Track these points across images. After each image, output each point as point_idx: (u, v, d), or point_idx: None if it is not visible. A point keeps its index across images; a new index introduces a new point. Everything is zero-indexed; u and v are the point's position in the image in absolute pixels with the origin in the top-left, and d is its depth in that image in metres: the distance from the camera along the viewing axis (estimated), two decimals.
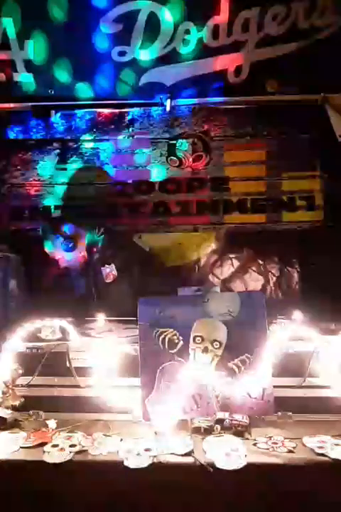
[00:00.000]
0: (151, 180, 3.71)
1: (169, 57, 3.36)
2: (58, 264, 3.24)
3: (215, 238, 3.73)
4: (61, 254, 3.13)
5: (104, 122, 3.65)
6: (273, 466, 1.52)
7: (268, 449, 1.60)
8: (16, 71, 3.39)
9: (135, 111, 3.62)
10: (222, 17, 3.25)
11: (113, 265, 2.91)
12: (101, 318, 2.26)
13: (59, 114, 3.58)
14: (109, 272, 2.88)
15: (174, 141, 3.67)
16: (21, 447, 1.64)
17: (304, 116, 3.50)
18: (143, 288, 2.87)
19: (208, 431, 1.70)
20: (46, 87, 3.42)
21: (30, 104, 3.46)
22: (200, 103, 3.54)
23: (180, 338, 1.82)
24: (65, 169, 3.71)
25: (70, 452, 1.59)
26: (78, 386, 1.89)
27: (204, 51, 3.34)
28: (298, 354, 1.86)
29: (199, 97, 3.48)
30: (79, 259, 3.11)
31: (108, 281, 2.92)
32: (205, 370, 1.77)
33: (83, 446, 1.62)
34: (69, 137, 3.69)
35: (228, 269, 3.73)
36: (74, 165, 3.71)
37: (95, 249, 3.05)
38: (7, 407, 1.84)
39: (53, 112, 3.53)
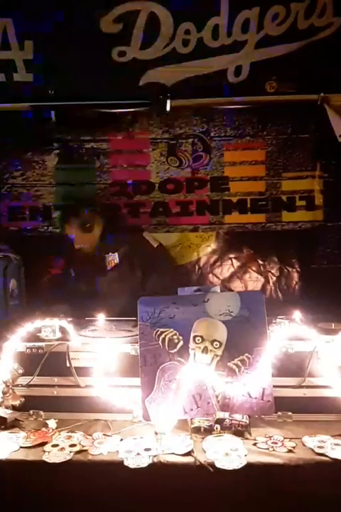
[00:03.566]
0: (151, 180, 3.72)
1: (169, 57, 3.36)
2: (73, 244, 3.26)
3: (215, 238, 3.73)
4: (77, 233, 3.14)
5: (104, 122, 3.65)
6: (273, 466, 1.52)
7: (268, 448, 1.59)
8: (16, 71, 3.39)
9: (135, 111, 3.62)
10: (222, 17, 3.26)
11: (116, 254, 2.96)
12: (101, 317, 2.25)
13: (59, 114, 3.58)
14: (112, 259, 2.91)
15: (174, 141, 3.68)
16: (21, 447, 1.64)
17: (304, 116, 3.51)
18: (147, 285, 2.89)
19: (208, 431, 1.70)
20: (46, 87, 3.43)
21: (30, 104, 3.46)
22: (200, 103, 3.54)
23: (180, 338, 1.82)
24: (65, 169, 3.71)
25: (70, 452, 1.59)
26: (78, 386, 1.89)
27: (204, 51, 3.34)
28: (298, 354, 1.86)
29: (199, 97, 3.48)
30: (92, 242, 3.12)
31: (109, 268, 2.96)
32: (205, 370, 1.76)
33: (83, 446, 1.62)
34: (69, 137, 3.69)
35: (228, 269, 3.73)
36: (74, 165, 3.71)
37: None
38: (7, 407, 1.84)
39: (53, 111, 3.53)
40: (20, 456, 1.60)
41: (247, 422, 1.70)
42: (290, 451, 1.58)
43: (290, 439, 1.65)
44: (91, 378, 1.86)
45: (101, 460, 1.56)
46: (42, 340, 1.98)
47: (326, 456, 1.54)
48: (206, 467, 1.49)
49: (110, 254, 3.00)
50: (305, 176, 3.67)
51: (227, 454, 1.55)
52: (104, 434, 1.70)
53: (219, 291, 2.03)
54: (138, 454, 1.56)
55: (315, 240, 3.66)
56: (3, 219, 3.74)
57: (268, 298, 3.57)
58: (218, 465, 1.50)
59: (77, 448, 1.61)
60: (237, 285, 3.71)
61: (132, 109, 3.60)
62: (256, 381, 1.75)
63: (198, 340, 1.81)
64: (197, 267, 3.75)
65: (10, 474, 1.56)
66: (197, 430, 1.71)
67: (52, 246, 3.66)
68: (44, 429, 1.76)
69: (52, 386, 1.91)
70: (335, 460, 1.52)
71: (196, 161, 3.69)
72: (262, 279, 3.72)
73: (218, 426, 1.70)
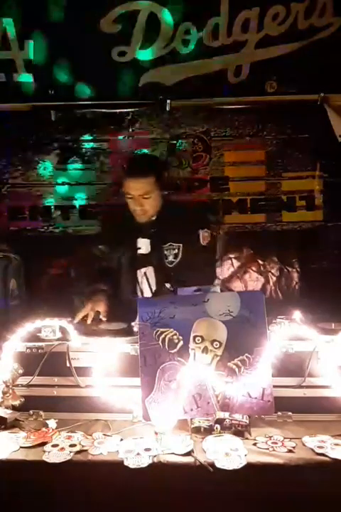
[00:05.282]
0: None
1: (169, 58, 3.37)
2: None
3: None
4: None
5: (104, 122, 3.66)
6: (273, 466, 1.52)
7: (268, 448, 1.59)
8: (16, 71, 3.40)
9: (135, 111, 3.62)
10: (222, 17, 3.26)
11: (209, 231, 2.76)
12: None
13: (59, 114, 3.58)
14: (206, 235, 2.73)
15: (174, 141, 3.68)
16: (21, 447, 1.63)
17: (304, 116, 3.51)
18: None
19: (208, 431, 1.70)
20: (46, 87, 3.43)
21: (30, 104, 3.46)
22: (200, 103, 3.55)
23: (180, 338, 1.82)
24: (65, 169, 3.72)
25: (70, 452, 1.59)
26: (78, 386, 1.89)
27: (204, 51, 3.35)
28: (298, 354, 1.86)
29: (199, 97, 3.48)
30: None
31: (204, 243, 2.73)
32: (205, 370, 1.76)
33: (83, 446, 1.62)
34: (69, 137, 3.69)
35: (228, 269, 3.73)
36: (74, 165, 3.71)
37: None
38: (7, 407, 1.84)
39: (53, 112, 3.53)
40: (20, 456, 1.59)
41: (247, 422, 1.70)
42: (290, 451, 1.58)
43: (290, 439, 1.65)
44: (91, 378, 1.86)
45: (101, 460, 1.56)
46: (43, 340, 1.98)
47: (326, 456, 1.54)
48: (206, 467, 1.49)
49: (206, 229, 2.73)
50: (305, 176, 3.67)
51: (227, 454, 1.55)
52: (104, 434, 1.70)
53: (219, 291, 2.03)
54: (138, 454, 1.56)
55: (315, 240, 3.66)
56: (3, 219, 3.74)
57: (268, 298, 3.57)
58: (218, 465, 1.50)
59: (77, 448, 1.61)
60: (237, 285, 3.71)
61: (132, 109, 3.60)
62: (256, 381, 1.75)
63: (198, 340, 1.81)
64: None
65: (10, 474, 1.56)
66: (197, 430, 1.71)
67: (52, 246, 3.67)
68: (44, 429, 1.76)
69: (52, 386, 1.91)
70: (335, 460, 1.52)
71: (196, 161, 3.69)
72: (262, 279, 3.72)
73: (218, 426, 1.70)
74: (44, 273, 3.63)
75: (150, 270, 2.67)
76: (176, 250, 2.65)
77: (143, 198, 2.61)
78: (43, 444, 1.64)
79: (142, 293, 2.65)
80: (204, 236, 2.70)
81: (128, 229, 2.71)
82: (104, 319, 2.37)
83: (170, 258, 2.65)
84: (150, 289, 2.65)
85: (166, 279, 2.60)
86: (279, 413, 1.79)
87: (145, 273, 2.67)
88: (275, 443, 1.62)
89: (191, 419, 1.73)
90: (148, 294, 2.63)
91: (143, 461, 1.52)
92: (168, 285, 2.58)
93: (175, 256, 2.65)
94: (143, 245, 2.69)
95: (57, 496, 1.54)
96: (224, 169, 3.70)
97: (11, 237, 3.61)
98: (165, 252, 2.65)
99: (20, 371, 1.88)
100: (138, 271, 2.68)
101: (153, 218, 2.70)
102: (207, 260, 2.71)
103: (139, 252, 2.69)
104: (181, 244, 2.65)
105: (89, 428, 1.76)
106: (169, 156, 3.65)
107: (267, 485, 1.51)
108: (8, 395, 1.85)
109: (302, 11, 3.25)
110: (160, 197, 2.68)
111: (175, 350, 1.81)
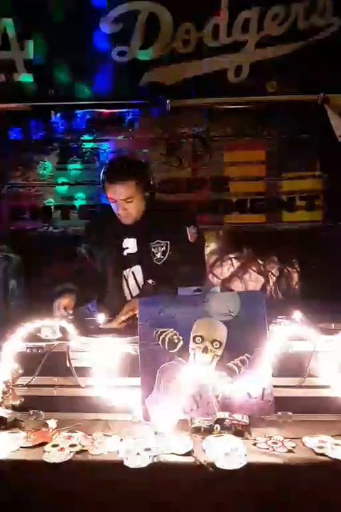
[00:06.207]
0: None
1: (169, 57, 3.37)
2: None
3: (215, 238, 3.74)
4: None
5: (104, 122, 3.66)
6: (273, 466, 1.52)
7: (268, 448, 1.59)
8: (16, 71, 3.40)
9: (135, 111, 3.63)
10: (222, 17, 3.26)
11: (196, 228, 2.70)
12: (101, 317, 2.25)
13: (59, 114, 3.59)
14: (194, 232, 2.68)
15: (174, 141, 3.68)
16: (21, 447, 1.63)
17: (304, 116, 3.51)
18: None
19: (208, 431, 1.70)
20: (46, 87, 3.43)
21: (30, 104, 3.47)
22: (200, 103, 3.55)
23: (180, 337, 1.81)
24: (65, 169, 3.72)
25: (70, 452, 1.59)
26: (78, 386, 1.89)
27: (204, 51, 3.35)
28: (298, 354, 1.86)
29: (199, 97, 3.49)
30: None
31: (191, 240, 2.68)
32: (205, 370, 1.76)
33: (83, 446, 1.62)
34: (69, 137, 3.69)
35: (228, 269, 3.73)
36: (74, 165, 3.72)
37: None
38: (7, 407, 1.84)
39: (53, 112, 3.54)
40: (20, 456, 1.59)
41: (247, 422, 1.70)
42: (290, 451, 1.58)
43: (290, 439, 1.65)
44: (91, 378, 1.86)
45: (101, 460, 1.56)
46: (42, 341, 1.98)
47: (326, 456, 1.54)
48: (206, 467, 1.49)
49: (192, 226, 2.68)
50: (305, 176, 3.68)
51: (227, 454, 1.55)
52: (104, 434, 1.70)
53: (219, 291, 2.03)
54: (138, 454, 1.56)
55: (315, 240, 3.66)
56: (3, 219, 3.74)
57: (268, 298, 3.58)
58: (218, 465, 1.49)
59: (77, 448, 1.61)
60: (237, 285, 3.72)
61: (132, 109, 3.61)
62: (256, 381, 1.75)
63: (198, 340, 1.81)
64: None
65: (10, 474, 1.56)
66: (197, 430, 1.71)
67: (52, 246, 3.67)
68: (44, 429, 1.76)
69: (52, 386, 1.91)
70: (335, 460, 1.52)
71: (196, 161, 3.70)
72: (262, 279, 3.73)
73: (218, 426, 1.69)
74: (44, 273, 3.63)
75: (137, 269, 2.66)
76: (164, 247, 2.62)
77: (126, 202, 2.55)
78: (43, 444, 1.64)
79: (130, 293, 2.65)
80: (191, 233, 2.69)
81: (114, 229, 2.67)
82: (70, 315, 2.35)
83: (158, 255, 2.63)
84: (139, 288, 2.64)
85: (152, 276, 2.59)
86: (279, 413, 1.79)
87: (132, 272, 2.66)
88: (276, 443, 1.62)
89: (191, 419, 1.73)
90: (136, 292, 2.63)
91: (143, 461, 1.52)
92: (150, 281, 2.57)
93: (163, 253, 2.62)
94: (130, 245, 2.66)
95: (57, 496, 1.54)
96: (224, 169, 3.70)
97: (11, 237, 3.62)
98: (153, 250, 2.62)
99: (20, 371, 1.88)
100: (124, 270, 2.67)
101: (138, 219, 2.66)
102: (196, 257, 2.70)
103: (126, 251, 2.66)
104: (168, 242, 2.63)
105: (89, 428, 1.76)
106: (169, 155, 3.66)
107: (267, 485, 1.51)
108: (8, 395, 1.85)
109: (302, 11, 3.25)
110: (143, 199, 2.62)
111: (175, 350, 1.81)
